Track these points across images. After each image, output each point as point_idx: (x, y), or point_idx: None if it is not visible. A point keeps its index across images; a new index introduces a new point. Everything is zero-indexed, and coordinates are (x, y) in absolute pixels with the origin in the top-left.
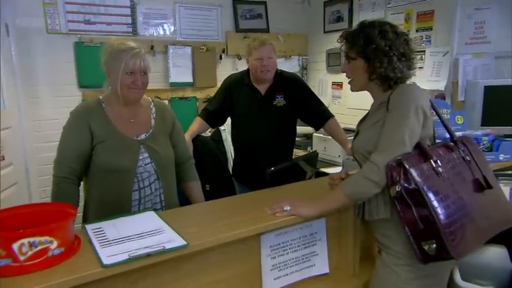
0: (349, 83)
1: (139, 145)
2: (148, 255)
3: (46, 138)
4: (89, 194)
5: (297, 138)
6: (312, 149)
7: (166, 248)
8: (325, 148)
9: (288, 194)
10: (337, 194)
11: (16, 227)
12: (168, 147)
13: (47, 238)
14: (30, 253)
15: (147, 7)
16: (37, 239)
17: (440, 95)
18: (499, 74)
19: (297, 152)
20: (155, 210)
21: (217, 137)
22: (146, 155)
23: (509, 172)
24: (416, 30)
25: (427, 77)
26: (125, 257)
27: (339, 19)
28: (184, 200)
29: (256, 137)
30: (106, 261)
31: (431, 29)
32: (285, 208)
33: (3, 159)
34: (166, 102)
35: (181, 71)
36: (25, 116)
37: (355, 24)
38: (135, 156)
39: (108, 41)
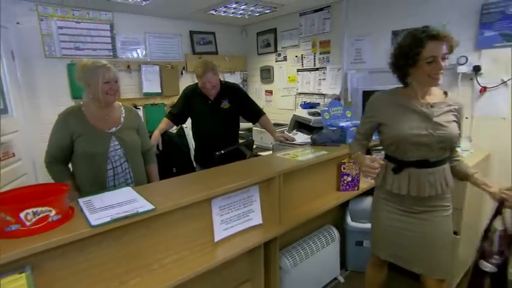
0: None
1: (110, 135)
2: (126, 217)
3: (47, 138)
4: (75, 174)
5: (241, 132)
6: (252, 138)
7: (139, 211)
8: (261, 138)
9: (231, 170)
10: None
11: (23, 201)
12: (134, 137)
13: (47, 208)
14: (34, 219)
15: (124, 36)
16: (39, 208)
17: (337, 98)
18: (372, 83)
19: (241, 141)
20: (127, 184)
21: (181, 133)
22: (116, 142)
23: (379, 147)
24: (320, 53)
25: (328, 85)
26: (108, 219)
27: (268, 45)
28: None
29: (209, 131)
30: (94, 222)
31: (329, 52)
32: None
33: (14, 155)
34: (141, 108)
35: (151, 84)
36: (29, 121)
37: (279, 48)
38: (106, 144)
39: (80, 62)
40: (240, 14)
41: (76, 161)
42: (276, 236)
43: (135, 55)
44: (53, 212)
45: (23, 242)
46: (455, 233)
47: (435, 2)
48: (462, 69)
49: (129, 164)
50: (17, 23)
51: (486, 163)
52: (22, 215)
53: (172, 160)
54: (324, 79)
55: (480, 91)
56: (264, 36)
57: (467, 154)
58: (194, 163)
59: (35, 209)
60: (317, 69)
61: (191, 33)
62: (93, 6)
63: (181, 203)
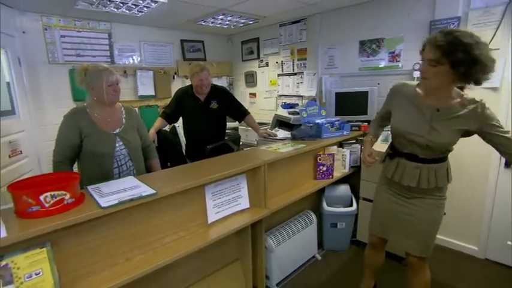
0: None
1: (115, 137)
2: (131, 200)
3: (51, 137)
4: (82, 173)
5: (227, 130)
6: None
7: (143, 195)
8: (246, 135)
9: (221, 161)
10: None
11: (41, 185)
12: (136, 137)
13: (63, 192)
14: (52, 202)
15: (121, 44)
16: (56, 192)
17: (313, 99)
18: (343, 85)
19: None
20: None
21: (174, 131)
22: (121, 143)
23: (349, 142)
24: (298, 60)
25: (305, 88)
26: (116, 201)
27: (251, 52)
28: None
29: (200, 129)
30: (103, 204)
31: (306, 59)
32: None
33: (21, 153)
34: (136, 109)
35: (146, 87)
36: (34, 122)
37: (262, 55)
38: (113, 145)
39: (80, 66)
40: (226, 24)
41: (83, 159)
42: (262, 219)
43: (131, 61)
44: (68, 196)
45: (43, 222)
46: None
47: (393, 17)
48: (417, 73)
49: (133, 162)
50: (23, 32)
51: None
52: (42, 197)
53: (166, 155)
54: (301, 82)
55: None
56: (248, 44)
57: None
58: (186, 157)
59: (52, 193)
60: (295, 74)
61: (182, 41)
62: (93, 17)
63: (179, 188)
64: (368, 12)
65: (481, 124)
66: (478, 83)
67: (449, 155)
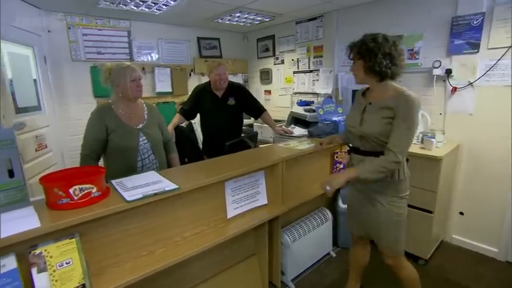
0: (355, 78)
1: (138, 132)
2: (155, 194)
3: (74, 133)
4: (107, 167)
5: (244, 127)
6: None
7: (166, 189)
8: (261, 132)
9: (240, 157)
10: (353, 172)
11: (70, 178)
12: (157, 132)
13: (90, 185)
14: (80, 194)
15: (140, 42)
16: (84, 186)
17: (329, 96)
18: None
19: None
20: None
21: (190, 127)
22: (144, 138)
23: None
24: (314, 57)
25: (321, 85)
26: (140, 195)
27: (267, 49)
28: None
29: (217, 125)
30: (129, 198)
31: (322, 56)
32: (327, 188)
33: (46, 147)
34: (154, 105)
35: (163, 84)
36: (58, 117)
37: (277, 52)
38: (136, 139)
39: (104, 66)
40: (243, 22)
41: (109, 154)
42: (279, 215)
43: (149, 58)
44: (95, 189)
45: (72, 213)
46: (430, 211)
47: (414, 14)
48: (437, 72)
49: (155, 156)
50: (49, 31)
51: (456, 152)
52: (71, 190)
53: (184, 151)
54: (317, 80)
55: (451, 91)
56: (264, 42)
57: (441, 145)
58: (203, 153)
59: (81, 186)
60: (311, 71)
61: (198, 39)
62: (113, 16)
63: (200, 184)
64: (386, 9)
65: (395, 112)
66: (392, 75)
67: (466, 153)
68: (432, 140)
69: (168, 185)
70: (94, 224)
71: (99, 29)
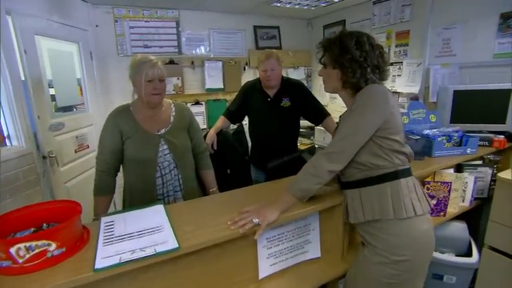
0: (324, 84)
1: (159, 138)
2: (138, 259)
3: None
4: (125, 180)
5: (302, 130)
6: (314, 138)
7: (157, 251)
8: (324, 138)
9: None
10: (286, 196)
11: (28, 225)
12: (185, 139)
13: (44, 242)
14: (27, 256)
15: (189, 33)
16: (33, 243)
17: (415, 97)
18: (462, 79)
19: (302, 141)
20: (175, 192)
21: (241, 129)
22: (165, 146)
23: (473, 162)
24: (396, 46)
25: (404, 82)
26: (116, 260)
27: None
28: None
29: (267, 131)
30: (98, 265)
31: (408, 44)
32: (254, 220)
33: (88, 147)
34: (203, 103)
35: (214, 80)
36: (103, 116)
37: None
38: (156, 148)
39: (134, 58)
40: (306, 5)
41: (125, 165)
42: (339, 276)
43: (199, 51)
44: (53, 246)
45: (14, 281)
46: None
47: None
48: None
49: (179, 170)
50: (96, 26)
51: None
52: (13, 250)
53: (226, 161)
54: (399, 75)
55: None
56: (332, 29)
57: None
58: (250, 163)
59: (28, 244)
60: (391, 64)
61: (255, 28)
62: (160, 5)
63: (215, 240)
64: None
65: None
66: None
67: None
68: None
69: (165, 239)
70: None
71: (146, 21)
